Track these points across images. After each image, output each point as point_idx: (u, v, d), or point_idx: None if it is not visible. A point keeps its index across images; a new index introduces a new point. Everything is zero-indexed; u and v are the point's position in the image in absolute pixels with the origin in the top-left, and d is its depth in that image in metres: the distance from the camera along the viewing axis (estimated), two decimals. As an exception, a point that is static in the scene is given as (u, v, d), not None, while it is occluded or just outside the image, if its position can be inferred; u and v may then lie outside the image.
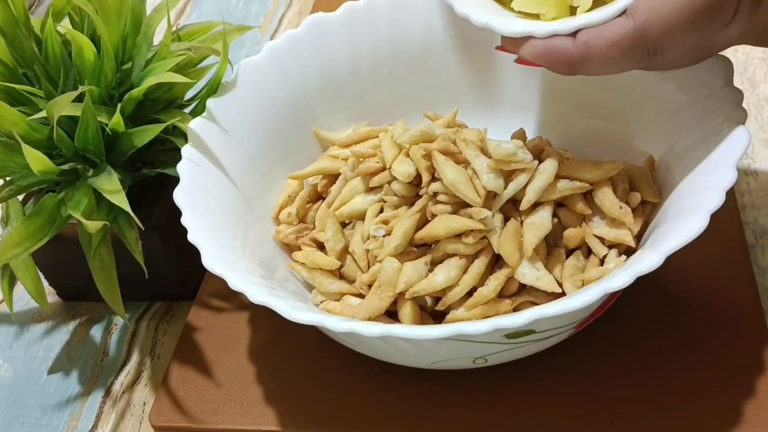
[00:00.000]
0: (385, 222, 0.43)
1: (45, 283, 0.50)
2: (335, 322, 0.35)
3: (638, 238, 0.41)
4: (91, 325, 0.52)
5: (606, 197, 0.41)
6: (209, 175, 0.44)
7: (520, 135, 0.47)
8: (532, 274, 0.40)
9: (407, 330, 0.35)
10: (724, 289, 0.45)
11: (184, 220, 0.40)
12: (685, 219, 0.36)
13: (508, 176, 0.41)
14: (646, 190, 0.42)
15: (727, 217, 0.48)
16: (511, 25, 0.37)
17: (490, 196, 0.41)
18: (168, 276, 0.50)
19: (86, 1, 0.44)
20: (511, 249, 0.40)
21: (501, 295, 0.41)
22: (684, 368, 0.42)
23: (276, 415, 0.43)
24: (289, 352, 0.46)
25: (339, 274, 0.45)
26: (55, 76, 0.46)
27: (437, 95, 0.53)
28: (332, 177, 0.48)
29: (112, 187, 0.43)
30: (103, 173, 0.44)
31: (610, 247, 0.41)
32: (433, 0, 0.51)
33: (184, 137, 0.45)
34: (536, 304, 0.40)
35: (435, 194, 0.42)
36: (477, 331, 0.34)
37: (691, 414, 0.40)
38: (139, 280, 0.45)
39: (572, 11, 0.37)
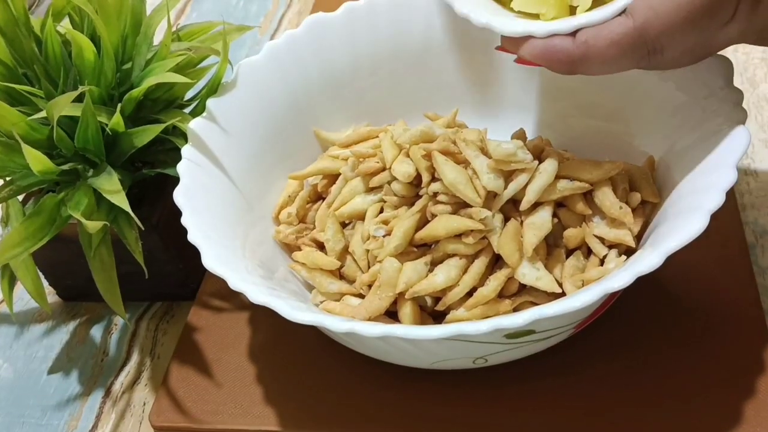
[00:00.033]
0: (385, 222, 0.43)
1: (45, 283, 0.50)
2: (335, 322, 0.35)
3: (638, 238, 0.41)
4: (91, 325, 0.52)
5: (606, 197, 0.41)
6: (209, 175, 0.44)
7: (520, 135, 0.47)
8: (532, 274, 0.40)
9: (407, 330, 0.35)
10: (724, 289, 0.45)
11: (184, 220, 0.40)
12: (685, 219, 0.36)
13: (508, 176, 0.41)
14: (646, 190, 0.42)
15: (727, 217, 0.48)
16: (511, 25, 0.37)
17: (490, 196, 0.41)
18: (168, 276, 0.50)
19: (86, 1, 0.44)
20: (511, 249, 0.40)
21: (501, 295, 0.41)
22: (684, 368, 0.42)
23: (276, 415, 0.43)
24: (289, 352, 0.46)
25: (339, 275, 0.45)
26: (55, 76, 0.46)
27: (437, 95, 0.53)
28: (332, 177, 0.48)
29: (112, 187, 0.43)
30: (103, 173, 0.44)
31: (610, 247, 0.41)
32: (433, 0, 0.51)
33: (184, 137, 0.45)
34: (536, 304, 0.40)
35: (435, 194, 0.42)
36: (477, 331, 0.34)
37: (691, 414, 0.40)
38: (139, 280, 0.45)
39: (572, 11, 0.37)
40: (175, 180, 0.43)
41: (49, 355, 0.51)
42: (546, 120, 0.52)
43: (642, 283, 0.35)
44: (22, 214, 0.46)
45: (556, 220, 0.42)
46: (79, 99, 0.42)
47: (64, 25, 0.47)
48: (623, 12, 0.34)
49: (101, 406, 0.48)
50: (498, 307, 0.40)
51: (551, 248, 0.42)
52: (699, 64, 0.36)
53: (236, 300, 0.49)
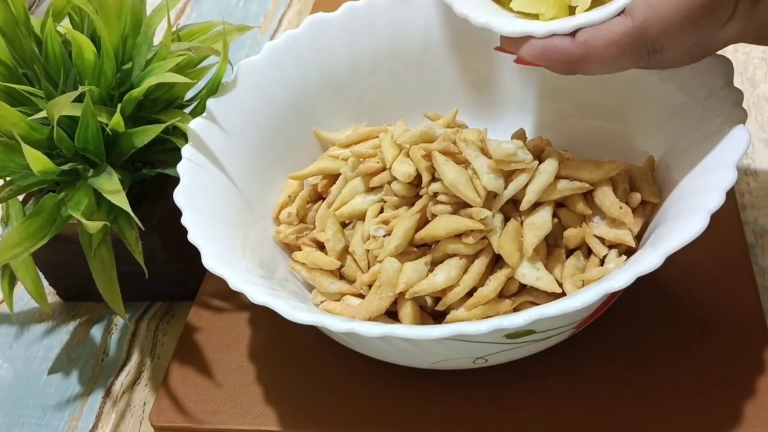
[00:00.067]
0: (385, 222, 0.43)
1: (45, 283, 0.50)
2: (335, 323, 0.35)
3: (638, 238, 0.41)
4: (91, 325, 0.52)
5: (606, 197, 0.41)
6: (209, 175, 0.44)
7: (520, 135, 0.47)
8: (532, 274, 0.40)
9: (407, 330, 0.35)
10: (724, 289, 0.45)
11: (184, 221, 0.40)
12: (685, 219, 0.36)
13: (508, 176, 0.41)
14: (646, 190, 0.42)
15: (727, 217, 0.48)
16: (511, 25, 0.37)
17: (491, 197, 0.41)
18: (168, 276, 0.50)
19: (86, 1, 0.44)
20: (512, 249, 0.40)
21: (501, 295, 0.41)
22: (684, 368, 0.42)
23: (276, 415, 0.43)
24: (289, 352, 0.46)
25: (339, 275, 0.45)
26: (55, 76, 0.46)
27: (437, 95, 0.53)
28: (332, 177, 0.48)
29: (112, 187, 0.43)
30: (103, 173, 0.44)
31: (610, 247, 0.41)
32: (432, 0, 0.51)
33: (184, 137, 0.45)
34: (536, 304, 0.40)
35: (435, 194, 0.42)
36: (477, 332, 0.34)
37: (691, 414, 0.40)
38: (139, 280, 0.45)
39: (571, 11, 0.37)
40: (175, 180, 0.43)
41: (49, 355, 0.51)
42: (546, 120, 0.52)
43: (642, 283, 0.35)
44: (22, 214, 0.46)
45: (556, 220, 0.42)
46: (79, 99, 0.42)
47: (64, 25, 0.47)
48: (622, 12, 0.34)
49: (101, 406, 0.48)
50: (498, 307, 0.40)
51: (551, 248, 0.42)
52: (699, 63, 0.37)
53: (236, 300, 0.49)
